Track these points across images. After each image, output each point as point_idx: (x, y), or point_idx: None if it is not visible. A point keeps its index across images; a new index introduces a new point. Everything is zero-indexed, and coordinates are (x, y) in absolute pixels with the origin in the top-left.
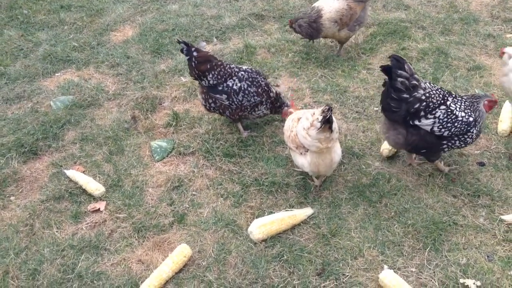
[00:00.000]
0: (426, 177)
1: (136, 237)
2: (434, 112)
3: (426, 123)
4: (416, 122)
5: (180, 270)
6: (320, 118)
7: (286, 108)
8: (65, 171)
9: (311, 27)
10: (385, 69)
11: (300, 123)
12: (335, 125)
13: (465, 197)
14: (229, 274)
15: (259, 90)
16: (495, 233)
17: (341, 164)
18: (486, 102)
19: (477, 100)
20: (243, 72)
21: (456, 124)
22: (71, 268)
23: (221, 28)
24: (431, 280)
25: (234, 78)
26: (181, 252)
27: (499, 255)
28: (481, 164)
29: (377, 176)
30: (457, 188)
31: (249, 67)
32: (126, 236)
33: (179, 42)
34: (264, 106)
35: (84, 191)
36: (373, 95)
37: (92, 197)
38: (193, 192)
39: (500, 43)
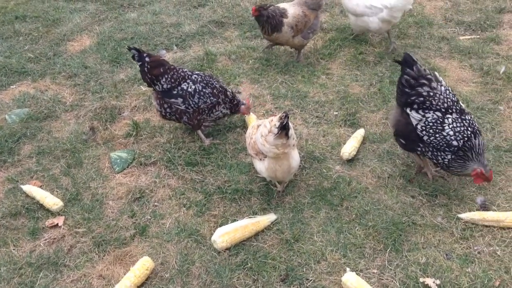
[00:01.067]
0: (385, 178)
1: (97, 252)
2: (426, 111)
3: (414, 116)
4: (408, 110)
5: (143, 284)
6: (278, 124)
7: (243, 106)
8: (22, 186)
9: (274, 20)
10: (398, 62)
11: (258, 130)
12: (291, 132)
13: (423, 197)
14: (193, 285)
15: (214, 91)
16: (453, 231)
17: (302, 168)
18: (478, 170)
19: (474, 157)
20: (196, 75)
21: (437, 136)
22: (29, 287)
23: (181, 36)
24: (393, 281)
25: (188, 81)
26: (143, 265)
27: (457, 253)
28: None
29: (338, 179)
30: (415, 188)
31: (202, 73)
32: (86, 251)
33: (129, 49)
34: (222, 106)
35: (41, 206)
36: (332, 100)
37: (50, 213)
38: (155, 203)
39: (454, 45)
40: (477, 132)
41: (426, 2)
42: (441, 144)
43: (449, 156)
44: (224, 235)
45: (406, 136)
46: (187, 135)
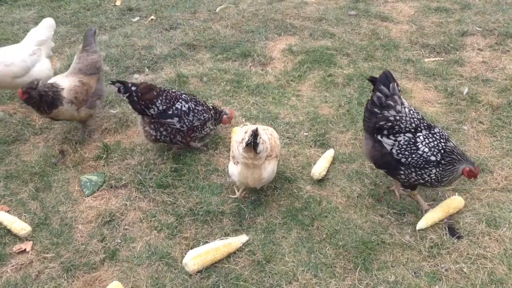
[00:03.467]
0: (354, 198)
1: (65, 277)
2: (396, 135)
3: (387, 142)
4: (379, 138)
5: None
6: (246, 139)
7: (225, 116)
8: None
9: (48, 97)
10: (371, 80)
11: (236, 135)
12: (261, 148)
13: (391, 216)
14: None
15: (205, 107)
16: (421, 249)
17: (274, 189)
18: (467, 168)
19: (459, 158)
20: (185, 95)
21: (413, 155)
22: None
23: (152, 58)
24: None
25: (181, 100)
26: None
27: (425, 271)
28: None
29: (309, 199)
30: (384, 207)
31: (185, 92)
32: (55, 276)
33: (113, 83)
34: (211, 122)
35: (9, 231)
36: (302, 121)
37: (17, 238)
38: (126, 226)
39: (419, 67)
40: (448, 137)
41: (392, 26)
42: (420, 162)
43: (433, 171)
44: (195, 258)
45: (387, 164)
46: (158, 156)
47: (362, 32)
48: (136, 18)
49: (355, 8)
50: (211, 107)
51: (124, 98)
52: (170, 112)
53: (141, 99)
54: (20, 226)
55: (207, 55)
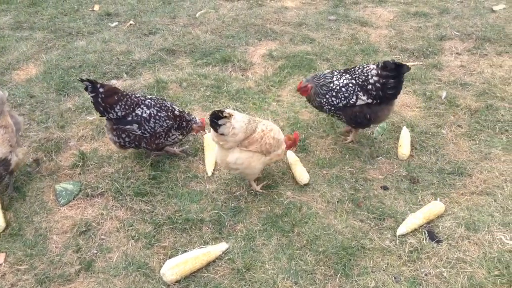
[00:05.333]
0: (334, 203)
1: None
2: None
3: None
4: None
5: None
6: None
7: (195, 124)
8: None
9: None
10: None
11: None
12: (224, 130)
13: (371, 220)
14: None
15: (169, 113)
16: (401, 254)
17: (254, 195)
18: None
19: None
20: (149, 100)
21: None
22: None
23: (131, 63)
24: None
25: (142, 106)
26: None
27: (405, 276)
28: (385, 188)
29: (289, 205)
30: (364, 212)
31: (154, 96)
32: None
33: (81, 81)
34: (176, 129)
35: None
36: (283, 126)
37: None
38: (102, 236)
39: None
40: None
41: (372, 31)
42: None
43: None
44: (174, 268)
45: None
46: (136, 164)
47: (342, 37)
48: (115, 23)
49: (335, 13)
50: (177, 114)
51: (89, 97)
52: (129, 119)
53: (103, 101)
54: None
55: (186, 60)
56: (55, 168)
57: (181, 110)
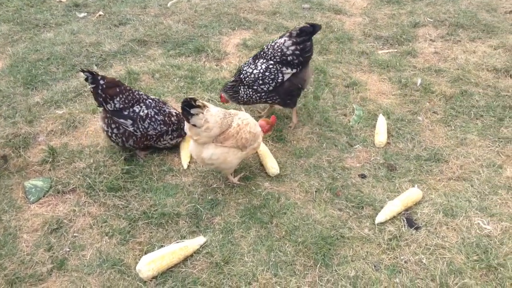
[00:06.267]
0: (313, 193)
1: None
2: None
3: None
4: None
5: None
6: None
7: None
8: None
9: None
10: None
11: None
12: (197, 121)
13: (350, 209)
14: None
15: (166, 119)
16: (380, 242)
17: (232, 187)
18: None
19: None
20: (150, 100)
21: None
22: None
23: (101, 55)
24: None
25: (142, 104)
26: None
27: (385, 264)
28: (363, 176)
29: (267, 196)
30: (342, 201)
31: (156, 97)
32: None
33: (82, 71)
34: (170, 136)
35: None
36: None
37: None
38: (74, 234)
39: (373, 59)
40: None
41: (346, 18)
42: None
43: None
44: (150, 263)
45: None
46: (108, 158)
47: None
48: (83, 14)
49: (309, 1)
50: (174, 118)
51: (89, 87)
52: (126, 113)
53: (104, 92)
54: None
55: (158, 51)
56: (24, 164)
57: (177, 113)
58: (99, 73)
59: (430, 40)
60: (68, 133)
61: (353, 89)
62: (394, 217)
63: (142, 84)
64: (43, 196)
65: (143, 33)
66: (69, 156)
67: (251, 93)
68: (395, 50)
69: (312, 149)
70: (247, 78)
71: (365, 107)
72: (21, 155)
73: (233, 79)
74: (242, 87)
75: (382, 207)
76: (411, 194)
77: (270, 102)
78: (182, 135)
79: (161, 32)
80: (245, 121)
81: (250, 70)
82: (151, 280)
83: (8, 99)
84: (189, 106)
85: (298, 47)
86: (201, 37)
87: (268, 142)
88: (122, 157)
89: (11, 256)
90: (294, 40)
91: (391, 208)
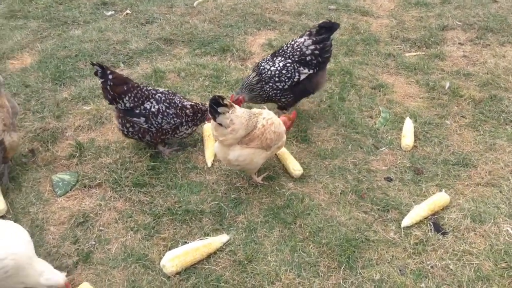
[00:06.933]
0: (337, 194)
1: None
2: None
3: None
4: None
5: None
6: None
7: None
8: None
9: None
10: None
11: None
12: (223, 121)
13: (375, 212)
14: None
15: (178, 111)
16: (406, 246)
17: (255, 186)
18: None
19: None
20: (160, 94)
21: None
22: None
23: (128, 53)
24: None
25: (152, 100)
26: None
27: (411, 268)
28: (389, 179)
29: (291, 196)
30: (367, 204)
31: (165, 90)
32: None
33: (92, 64)
34: (185, 126)
35: None
36: None
37: None
38: (100, 227)
39: (400, 61)
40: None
41: (373, 20)
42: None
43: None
44: (174, 259)
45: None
46: (134, 154)
47: (342, 27)
48: (110, 12)
49: (335, 2)
50: (188, 107)
51: (99, 82)
52: (137, 111)
53: (112, 90)
54: None
55: (184, 50)
56: (52, 158)
57: (194, 103)
58: (125, 71)
59: (459, 43)
60: (95, 129)
61: (379, 91)
62: (421, 221)
63: (168, 82)
64: (70, 190)
65: (169, 32)
66: (96, 151)
67: (268, 89)
68: (423, 52)
69: (337, 150)
70: (264, 74)
71: (391, 109)
72: (49, 149)
73: (252, 76)
74: (261, 83)
75: (408, 211)
76: (439, 199)
77: (283, 100)
78: (197, 124)
79: (187, 31)
80: (269, 120)
81: (268, 67)
82: (174, 276)
83: (37, 94)
84: (216, 104)
85: (318, 47)
86: (227, 36)
87: (292, 142)
88: (148, 154)
89: (38, 248)
90: (314, 39)
91: (418, 212)
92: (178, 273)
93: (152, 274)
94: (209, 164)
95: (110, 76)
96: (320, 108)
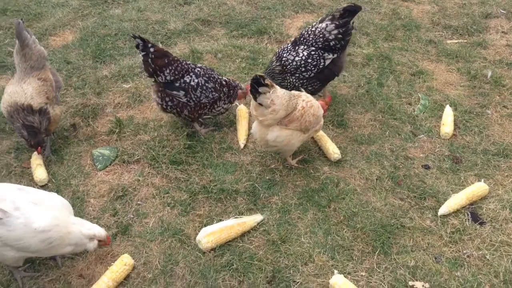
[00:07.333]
0: (373, 180)
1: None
2: None
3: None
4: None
5: (123, 283)
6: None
7: (240, 90)
8: None
9: (35, 123)
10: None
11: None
12: (263, 101)
13: (411, 199)
14: (176, 286)
15: (216, 85)
16: (442, 234)
17: (289, 169)
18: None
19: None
20: (199, 69)
21: None
22: (5, 286)
23: (166, 33)
24: (381, 284)
25: (191, 74)
26: (120, 261)
27: (446, 257)
28: (426, 167)
29: (326, 180)
30: (404, 191)
31: (204, 65)
32: None
33: (134, 37)
34: (223, 101)
35: None
36: None
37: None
38: (138, 202)
39: (441, 48)
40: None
41: (414, 6)
42: None
43: None
44: (209, 235)
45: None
46: (171, 133)
47: (383, 12)
48: None
49: None
50: (224, 83)
51: (140, 55)
52: (177, 85)
53: (153, 63)
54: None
55: (222, 31)
56: (92, 133)
57: (227, 78)
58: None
59: (502, 32)
60: (134, 107)
61: (419, 77)
62: (458, 210)
63: (205, 63)
64: (110, 165)
65: (207, 13)
66: (135, 128)
67: (294, 80)
68: (465, 40)
69: (374, 136)
70: (289, 66)
71: (431, 97)
72: (89, 125)
73: (274, 66)
74: (284, 75)
75: (445, 200)
76: (477, 189)
77: (310, 89)
78: (232, 101)
79: (225, 12)
80: (309, 103)
81: (292, 58)
82: (209, 252)
83: (78, 71)
84: (257, 83)
85: (341, 30)
86: (264, 19)
87: (328, 126)
88: (185, 133)
89: None
90: (337, 23)
91: (455, 201)
92: (213, 249)
93: (188, 249)
94: (241, 146)
95: (151, 49)
96: (357, 93)
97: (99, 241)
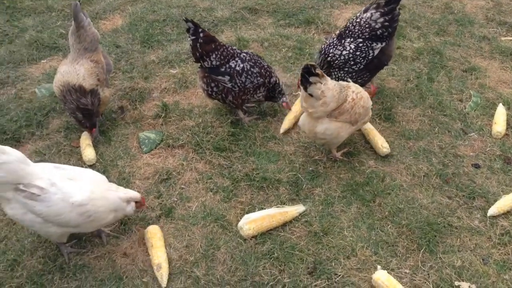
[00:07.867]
0: (420, 177)
1: (122, 231)
2: None
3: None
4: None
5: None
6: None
7: (284, 99)
8: None
9: (87, 104)
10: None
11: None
12: (313, 91)
13: (460, 198)
14: (217, 270)
15: (262, 71)
16: (491, 235)
17: (334, 161)
18: None
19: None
20: (245, 54)
21: None
22: (52, 260)
23: (213, 20)
24: (426, 282)
25: (237, 59)
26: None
27: (495, 259)
28: (477, 166)
29: (371, 174)
30: (452, 189)
31: (249, 51)
32: (111, 229)
33: (186, 21)
34: (264, 88)
35: None
36: None
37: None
38: (182, 186)
39: (495, 45)
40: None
41: (467, 1)
42: None
43: None
44: (251, 223)
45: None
46: (216, 120)
47: (435, 5)
48: None
49: None
50: (272, 80)
51: (189, 39)
52: (223, 70)
53: (201, 48)
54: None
55: (269, 20)
56: (139, 116)
57: (267, 64)
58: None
59: None
60: (180, 92)
61: (471, 74)
62: (508, 212)
63: (250, 51)
64: (155, 148)
65: (254, 2)
66: (180, 113)
67: (342, 75)
68: None
69: (423, 132)
70: (337, 61)
71: (483, 94)
72: (136, 108)
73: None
74: (332, 70)
75: (495, 200)
76: None
77: (359, 81)
78: (269, 93)
79: (272, 1)
80: (359, 94)
81: (339, 52)
82: (250, 239)
83: (126, 55)
84: (308, 73)
85: (387, 18)
86: (312, 9)
87: (375, 120)
88: (229, 120)
89: None
90: (382, 11)
91: (506, 202)
92: (254, 236)
93: (229, 234)
94: (281, 132)
95: (201, 34)
96: (406, 87)
97: (136, 202)
